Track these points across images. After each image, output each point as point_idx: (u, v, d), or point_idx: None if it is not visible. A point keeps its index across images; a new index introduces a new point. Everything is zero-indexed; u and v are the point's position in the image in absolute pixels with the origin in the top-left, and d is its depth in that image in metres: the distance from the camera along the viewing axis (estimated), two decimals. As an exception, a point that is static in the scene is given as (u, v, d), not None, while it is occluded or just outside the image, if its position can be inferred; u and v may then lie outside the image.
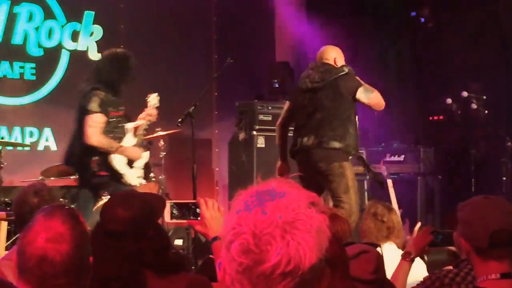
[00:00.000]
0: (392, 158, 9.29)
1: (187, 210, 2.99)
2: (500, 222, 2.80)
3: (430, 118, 10.32)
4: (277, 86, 9.61)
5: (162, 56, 9.51)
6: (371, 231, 4.86)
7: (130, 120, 6.71)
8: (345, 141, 6.76)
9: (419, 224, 4.23)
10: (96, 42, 9.21)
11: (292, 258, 1.44)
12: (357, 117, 6.93)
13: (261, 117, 8.70)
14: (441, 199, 9.20)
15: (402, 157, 9.34)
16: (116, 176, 6.51)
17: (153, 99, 6.80)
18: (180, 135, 7.88)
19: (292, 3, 10.52)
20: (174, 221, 3.01)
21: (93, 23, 9.21)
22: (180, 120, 6.70)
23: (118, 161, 6.51)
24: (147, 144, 7.23)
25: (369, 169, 7.87)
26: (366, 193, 8.99)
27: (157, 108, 6.78)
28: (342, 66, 6.87)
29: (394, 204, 8.26)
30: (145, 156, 6.76)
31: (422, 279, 3.58)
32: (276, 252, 1.43)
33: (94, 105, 6.42)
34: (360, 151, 9.07)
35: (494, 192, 7.84)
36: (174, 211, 2.99)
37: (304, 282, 1.46)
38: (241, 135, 8.69)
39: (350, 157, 6.97)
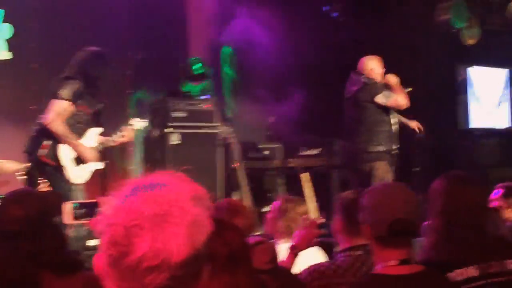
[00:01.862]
0: (308, 152, 9.34)
1: (90, 210, 2.93)
2: (400, 211, 2.83)
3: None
4: (193, 83, 9.56)
5: (69, 51, 9.32)
6: (269, 226, 4.88)
7: (99, 121, 6.72)
8: (372, 142, 7.98)
9: (305, 217, 4.24)
10: (7, 40, 9.00)
11: (160, 252, 1.40)
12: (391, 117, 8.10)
13: (174, 114, 8.63)
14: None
15: (317, 151, 9.40)
16: (59, 168, 6.50)
17: (137, 124, 6.91)
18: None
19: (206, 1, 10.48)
20: (77, 221, 2.94)
21: (3, 22, 8.99)
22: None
23: (65, 154, 6.49)
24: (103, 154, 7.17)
25: None
26: (281, 187, 9.03)
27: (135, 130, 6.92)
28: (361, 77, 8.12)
29: (310, 198, 8.32)
30: (98, 164, 6.77)
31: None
32: (142, 244, 1.39)
33: (65, 92, 6.47)
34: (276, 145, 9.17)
35: (405, 183, 7.96)
36: (77, 212, 2.92)
37: (175, 278, 1.42)
38: (155, 133, 8.61)
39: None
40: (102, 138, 6.90)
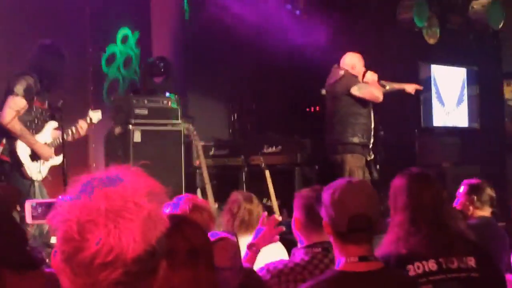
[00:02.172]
0: (269, 149, 9.35)
1: (48, 210, 2.87)
2: (359, 207, 2.85)
3: (307, 109, 10.45)
4: (156, 81, 9.52)
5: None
6: (227, 223, 4.89)
7: (54, 116, 6.65)
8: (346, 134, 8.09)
9: (265, 214, 4.25)
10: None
11: (113, 248, 1.39)
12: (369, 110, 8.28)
13: (137, 111, 8.58)
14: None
15: (279, 148, 9.42)
16: (17, 164, 6.46)
17: (95, 116, 6.82)
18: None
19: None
20: (37, 221, 2.88)
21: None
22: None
23: (22, 151, 6.45)
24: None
25: None
26: (244, 185, 9.03)
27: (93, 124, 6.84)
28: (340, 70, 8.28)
29: (272, 196, 8.34)
30: (56, 159, 6.71)
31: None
32: (96, 240, 1.38)
33: (19, 87, 6.38)
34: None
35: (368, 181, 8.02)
36: (36, 211, 2.86)
37: (130, 274, 1.41)
38: (117, 130, 8.56)
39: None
40: (58, 133, 6.83)
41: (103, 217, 1.40)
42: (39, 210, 2.86)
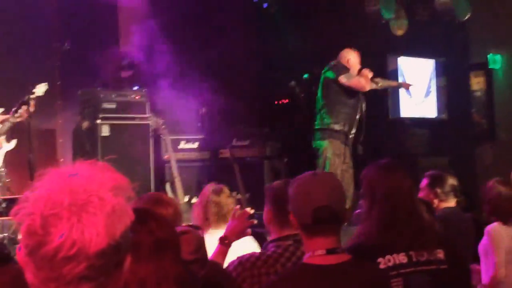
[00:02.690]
0: (238, 143, 9.35)
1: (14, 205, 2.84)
2: (323, 198, 2.84)
3: (276, 102, 10.45)
4: (124, 75, 9.49)
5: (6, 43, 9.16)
6: (197, 216, 4.88)
7: None
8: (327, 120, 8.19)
9: (236, 208, 4.25)
10: None
11: (76, 242, 1.38)
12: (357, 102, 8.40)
13: (105, 105, 8.54)
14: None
15: (248, 142, 9.42)
16: None
17: (40, 88, 6.74)
18: (21, 125, 7.64)
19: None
20: (1, 217, 2.84)
21: None
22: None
23: None
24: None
25: None
26: (213, 178, 9.00)
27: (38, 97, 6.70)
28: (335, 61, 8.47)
29: (241, 189, 8.35)
30: (7, 145, 6.63)
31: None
32: (59, 234, 1.38)
33: None
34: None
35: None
36: (1, 207, 2.82)
37: (94, 268, 1.41)
38: (85, 124, 8.51)
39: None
40: (2, 117, 6.75)
41: (66, 210, 1.39)
42: (3, 205, 2.80)
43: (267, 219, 3.78)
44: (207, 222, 4.86)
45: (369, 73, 8.37)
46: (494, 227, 5.38)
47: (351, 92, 8.35)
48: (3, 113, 6.89)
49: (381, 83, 8.84)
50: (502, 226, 5.34)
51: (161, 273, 2.34)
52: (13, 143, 6.85)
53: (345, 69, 8.36)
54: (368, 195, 3.53)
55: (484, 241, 5.42)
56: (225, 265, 3.81)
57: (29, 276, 1.42)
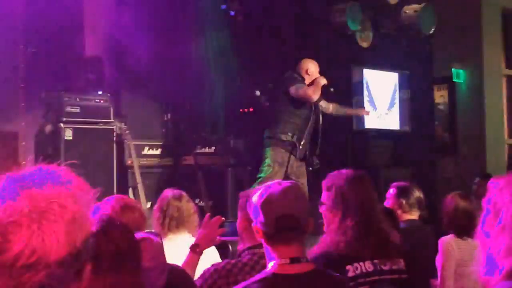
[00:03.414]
0: (202, 150, 9.33)
1: None
2: (286, 207, 2.85)
3: (241, 110, 10.45)
4: (88, 78, 9.41)
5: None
6: (157, 221, 4.88)
7: None
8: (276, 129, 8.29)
9: (207, 215, 4.24)
10: None
11: (36, 250, 1.36)
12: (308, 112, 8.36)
13: (68, 109, 8.47)
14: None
15: (212, 149, 9.40)
16: None
17: None
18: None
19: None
20: None
21: None
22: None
23: None
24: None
25: None
26: (175, 185, 8.97)
27: None
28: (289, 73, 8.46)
29: (204, 196, 8.33)
30: None
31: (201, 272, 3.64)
32: (19, 242, 1.36)
33: None
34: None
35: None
36: None
37: (54, 276, 1.38)
38: (48, 128, 8.43)
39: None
40: None
41: (26, 218, 1.37)
42: None
43: (241, 226, 3.77)
44: (166, 227, 4.85)
45: (322, 80, 8.32)
46: (446, 240, 5.43)
47: (302, 103, 8.35)
48: None
49: (335, 109, 8.91)
50: (455, 239, 5.38)
51: (118, 285, 2.32)
52: None
53: (295, 80, 8.37)
54: (339, 205, 3.54)
55: (438, 254, 5.48)
56: (198, 273, 3.80)
57: None
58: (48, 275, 1.37)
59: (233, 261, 3.71)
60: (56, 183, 1.43)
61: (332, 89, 8.44)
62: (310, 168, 8.48)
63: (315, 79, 8.37)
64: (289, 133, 8.28)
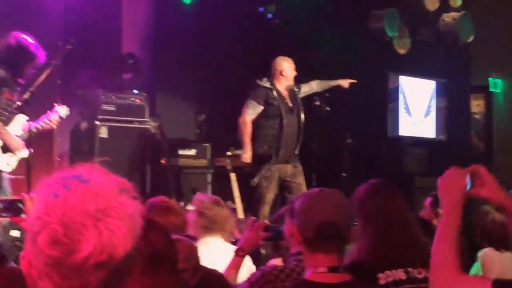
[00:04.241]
0: (236, 152, 9.32)
1: (10, 207, 2.80)
2: (327, 214, 2.83)
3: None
4: (125, 77, 9.47)
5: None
6: (192, 224, 4.85)
7: (24, 109, 6.61)
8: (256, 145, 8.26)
9: (252, 219, 4.24)
10: None
11: (105, 247, 1.36)
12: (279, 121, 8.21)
13: (104, 107, 8.52)
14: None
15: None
16: None
17: (63, 111, 6.76)
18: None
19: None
20: None
21: None
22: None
23: None
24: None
25: None
26: (209, 186, 9.00)
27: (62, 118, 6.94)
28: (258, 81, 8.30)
29: (237, 198, 8.32)
30: (24, 152, 6.66)
31: (248, 275, 3.62)
32: (88, 241, 1.35)
33: None
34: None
35: (333, 187, 8.03)
36: None
37: (118, 272, 1.40)
38: (83, 125, 8.49)
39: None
40: (26, 126, 6.79)
41: (91, 217, 1.37)
42: (1, 205, 2.76)
43: (289, 232, 3.76)
44: (201, 230, 4.84)
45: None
46: (487, 253, 5.36)
47: (269, 113, 8.26)
48: (27, 121, 6.89)
49: (319, 86, 8.77)
50: (495, 252, 5.32)
51: (155, 286, 2.31)
52: (28, 152, 6.85)
53: (259, 91, 8.30)
54: (361, 214, 3.54)
55: (476, 266, 5.41)
56: (243, 277, 3.79)
57: (48, 285, 1.38)
58: (112, 271, 1.38)
59: (280, 266, 3.69)
60: (104, 180, 1.43)
61: (328, 108, 8.43)
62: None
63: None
64: (264, 147, 8.25)
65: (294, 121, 8.34)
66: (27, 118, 6.84)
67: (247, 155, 8.28)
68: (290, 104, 8.35)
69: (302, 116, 8.38)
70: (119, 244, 1.38)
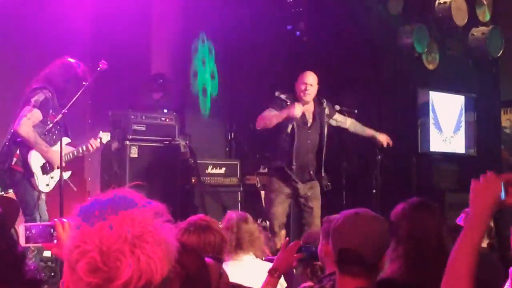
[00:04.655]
0: (266, 170, 9.33)
1: (42, 232, 2.82)
2: (351, 240, 2.82)
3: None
4: (155, 97, 9.54)
5: (31, 62, 9.22)
6: (231, 244, 4.84)
7: (66, 131, 6.77)
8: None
9: (286, 240, 4.24)
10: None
11: (144, 273, 1.39)
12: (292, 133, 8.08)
13: (134, 127, 8.58)
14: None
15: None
16: (28, 175, 6.57)
17: (105, 137, 7.08)
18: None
19: (169, 15, 10.46)
20: (30, 244, 2.82)
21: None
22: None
23: (35, 162, 6.57)
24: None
25: None
26: (239, 204, 9.01)
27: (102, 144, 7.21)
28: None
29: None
30: (65, 174, 6.78)
31: None
32: (126, 268, 1.38)
33: (37, 99, 6.54)
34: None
35: (363, 205, 7.99)
36: (29, 234, 2.80)
37: None
38: (114, 145, 8.54)
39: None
40: (69, 149, 6.92)
41: (128, 243, 1.40)
42: (33, 231, 2.78)
43: (323, 251, 3.75)
44: (232, 249, 4.84)
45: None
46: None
47: (282, 125, 8.12)
48: (69, 144, 7.03)
49: (352, 125, 8.59)
50: None
51: None
52: (68, 173, 7.00)
53: (273, 103, 8.23)
54: (394, 234, 3.50)
55: (509, 282, 5.35)
56: None
57: None
58: None
59: (317, 286, 3.69)
60: (140, 206, 1.45)
61: (337, 106, 8.36)
62: (325, 189, 8.25)
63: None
64: (278, 160, 8.16)
65: (310, 137, 8.21)
66: (69, 140, 6.99)
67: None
68: (309, 119, 8.26)
69: (324, 134, 8.26)
70: (156, 269, 1.41)
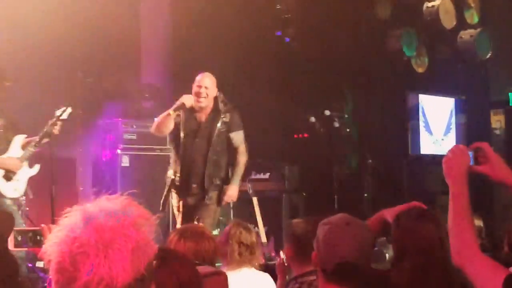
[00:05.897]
0: (257, 176, 9.35)
1: (29, 238, 2.85)
2: (350, 254, 2.82)
3: (295, 136, 10.46)
4: (145, 105, 9.54)
5: (31, 72, 9.22)
6: (234, 255, 4.72)
7: (18, 130, 6.74)
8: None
9: (282, 264, 4.20)
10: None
11: (104, 278, 1.45)
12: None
13: (125, 136, 8.58)
14: (305, 216, 9.31)
15: (267, 175, 9.42)
16: None
17: (64, 114, 6.93)
18: (42, 154, 7.70)
19: (158, 26, 10.48)
20: (18, 249, 2.85)
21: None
22: (40, 135, 6.69)
23: None
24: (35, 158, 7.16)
25: None
26: (231, 211, 9.00)
27: (62, 120, 6.92)
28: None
29: (259, 222, 8.32)
30: (30, 171, 6.77)
31: None
32: (87, 270, 1.45)
33: None
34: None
35: (356, 208, 8.02)
36: (18, 238, 2.83)
37: None
38: (106, 154, 8.55)
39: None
40: (25, 142, 6.92)
41: (93, 248, 1.46)
42: (22, 237, 2.82)
43: (288, 255, 3.78)
44: (234, 259, 4.74)
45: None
46: (515, 269, 5.31)
47: (172, 133, 7.15)
48: (26, 138, 7.04)
49: (236, 141, 7.34)
50: None
51: None
52: (36, 168, 6.99)
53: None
54: (399, 244, 3.40)
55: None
56: None
57: None
58: None
59: None
60: (119, 213, 1.50)
61: (327, 112, 8.32)
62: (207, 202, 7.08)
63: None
64: (171, 171, 7.19)
65: (197, 146, 7.10)
66: (25, 136, 6.97)
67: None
68: (198, 126, 7.14)
69: (214, 142, 7.11)
70: (118, 275, 1.46)
